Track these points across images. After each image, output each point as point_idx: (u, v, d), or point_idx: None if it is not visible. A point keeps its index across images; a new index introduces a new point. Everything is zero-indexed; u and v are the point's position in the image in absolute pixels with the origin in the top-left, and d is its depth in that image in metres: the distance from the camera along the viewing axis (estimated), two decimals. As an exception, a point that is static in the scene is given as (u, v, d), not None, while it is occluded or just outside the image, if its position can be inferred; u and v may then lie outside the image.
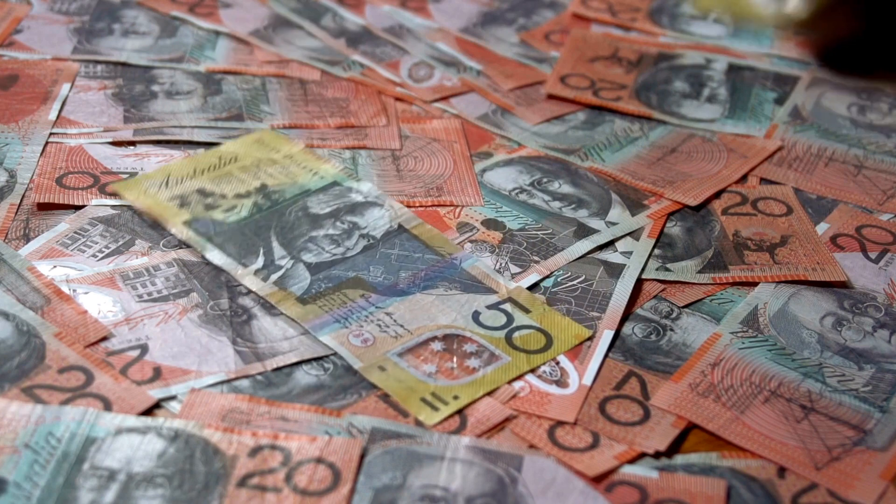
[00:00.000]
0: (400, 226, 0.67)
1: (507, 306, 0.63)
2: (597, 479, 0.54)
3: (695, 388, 0.58)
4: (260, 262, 0.63)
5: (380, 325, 0.60)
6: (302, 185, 0.69)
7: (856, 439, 0.56)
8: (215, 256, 0.64)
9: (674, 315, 0.64)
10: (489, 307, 0.63)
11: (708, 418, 0.57)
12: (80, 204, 0.68)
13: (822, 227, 0.71)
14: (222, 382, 0.58)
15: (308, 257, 0.64)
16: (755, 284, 0.66)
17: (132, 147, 0.74)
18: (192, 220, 0.65)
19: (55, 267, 0.64)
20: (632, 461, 0.55)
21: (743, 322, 0.63)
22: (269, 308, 0.62)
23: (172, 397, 0.56)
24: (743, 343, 0.61)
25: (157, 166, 0.72)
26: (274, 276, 0.62)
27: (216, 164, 0.70)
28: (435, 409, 0.56)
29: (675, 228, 0.71)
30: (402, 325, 0.61)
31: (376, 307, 0.62)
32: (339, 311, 0.61)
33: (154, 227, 0.67)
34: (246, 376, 0.58)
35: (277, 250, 0.64)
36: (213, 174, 0.69)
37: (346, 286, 0.63)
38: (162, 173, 0.69)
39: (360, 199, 0.69)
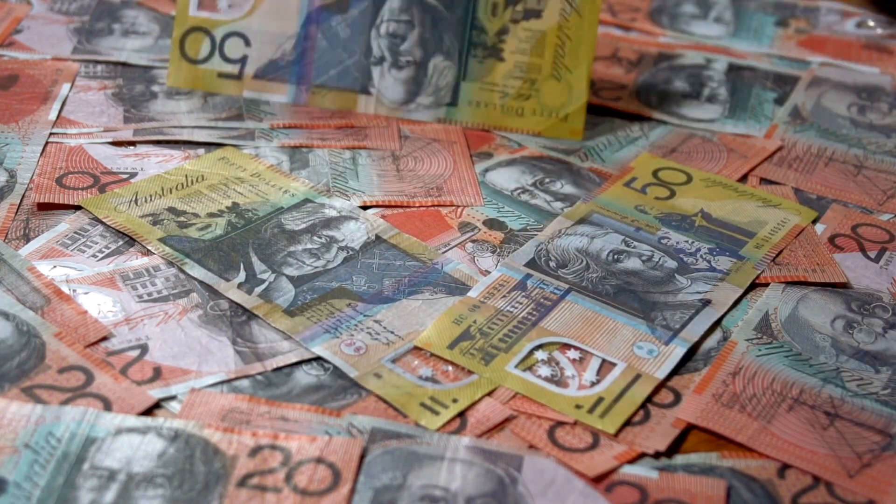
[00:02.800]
0: (377, 236, 0.67)
1: None
2: (597, 480, 0.54)
3: (718, 398, 0.58)
4: (242, 276, 0.63)
5: (370, 333, 0.60)
6: (274, 203, 0.69)
7: (883, 444, 0.56)
8: (196, 271, 0.63)
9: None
10: None
11: (736, 430, 0.56)
12: (80, 204, 0.68)
13: (818, 228, 0.71)
14: (222, 382, 0.58)
15: (289, 271, 0.64)
16: (757, 285, 0.66)
17: (132, 147, 0.74)
18: (167, 238, 0.65)
19: (55, 267, 0.64)
20: (632, 461, 0.55)
21: (756, 329, 0.63)
22: (269, 308, 0.62)
23: (172, 397, 0.56)
24: (759, 350, 0.61)
25: (157, 166, 0.72)
26: (258, 290, 0.62)
27: (183, 183, 0.70)
28: (435, 413, 0.56)
29: (675, 228, 0.71)
30: (392, 332, 0.61)
31: (364, 315, 0.62)
32: (328, 322, 0.61)
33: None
34: (246, 376, 0.58)
35: (258, 265, 0.64)
36: (182, 193, 0.69)
37: (332, 296, 0.63)
38: (129, 191, 0.69)
39: (333, 213, 0.69)
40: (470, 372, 0.59)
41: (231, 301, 0.62)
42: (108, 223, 0.67)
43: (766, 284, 0.66)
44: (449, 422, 0.56)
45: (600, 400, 0.57)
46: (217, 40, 0.79)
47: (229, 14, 0.78)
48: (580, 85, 0.75)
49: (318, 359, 0.59)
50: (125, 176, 0.71)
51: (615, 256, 0.67)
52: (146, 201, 0.68)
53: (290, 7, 0.78)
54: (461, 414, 0.57)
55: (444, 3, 0.72)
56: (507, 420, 0.56)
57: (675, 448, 0.56)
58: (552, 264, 0.66)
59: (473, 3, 0.74)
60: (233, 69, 0.78)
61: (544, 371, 0.59)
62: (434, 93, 0.72)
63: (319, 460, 0.53)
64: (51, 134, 0.74)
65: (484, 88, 0.73)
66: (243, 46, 0.78)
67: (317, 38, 0.71)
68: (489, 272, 0.65)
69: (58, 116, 0.76)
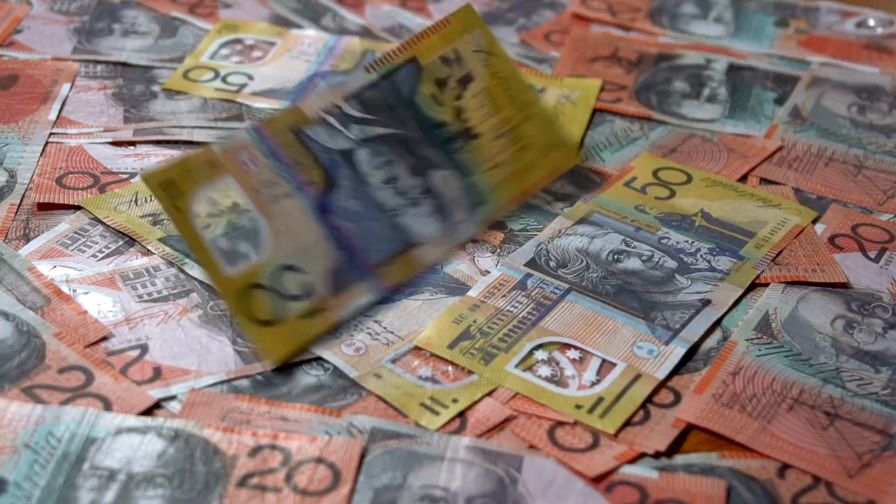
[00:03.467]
0: None
1: None
2: (597, 479, 0.54)
3: (718, 398, 0.58)
4: None
5: (370, 333, 0.60)
6: None
7: (883, 444, 0.56)
8: (196, 271, 0.63)
9: (674, 315, 0.64)
10: None
11: (736, 430, 0.56)
12: (80, 204, 0.68)
13: (818, 228, 0.71)
14: (222, 382, 0.58)
15: None
16: (756, 285, 0.66)
17: (132, 147, 0.74)
18: (167, 238, 0.65)
19: (55, 267, 0.64)
20: (632, 461, 0.55)
21: (756, 328, 0.63)
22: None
23: (172, 397, 0.56)
24: (759, 350, 0.61)
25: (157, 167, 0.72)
26: None
27: None
28: (435, 413, 0.56)
29: (675, 228, 0.71)
30: (392, 332, 0.61)
31: (364, 315, 0.62)
32: None
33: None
34: (246, 376, 0.58)
35: None
36: None
37: None
38: (129, 191, 0.69)
39: None
40: (470, 372, 0.59)
41: (231, 301, 0.62)
42: (108, 223, 0.67)
43: (766, 284, 0.66)
44: (449, 422, 0.56)
45: (600, 400, 0.57)
46: (221, 74, 0.81)
47: (238, 66, 0.82)
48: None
49: (318, 359, 0.59)
50: (125, 176, 0.71)
51: (615, 256, 0.67)
52: (146, 201, 0.68)
53: (299, 68, 0.82)
54: (461, 414, 0.57)
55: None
56: (507, 420, 0.57)
57: (675, 448, 0.56)
58: (552, 264, 0.66)
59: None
60: (231, 89, 0.79)
61: (544, 371, 0.59)
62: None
63: (319, 460, 0.53)
64: (51, 134, 0.74)
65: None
66: (246, 79, 0.81)
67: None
68: (489, 272, 0.65)
69: (58, 116, 0.76)
